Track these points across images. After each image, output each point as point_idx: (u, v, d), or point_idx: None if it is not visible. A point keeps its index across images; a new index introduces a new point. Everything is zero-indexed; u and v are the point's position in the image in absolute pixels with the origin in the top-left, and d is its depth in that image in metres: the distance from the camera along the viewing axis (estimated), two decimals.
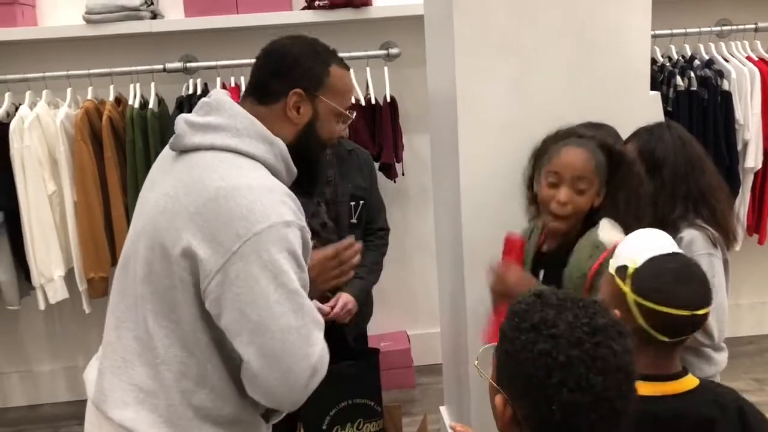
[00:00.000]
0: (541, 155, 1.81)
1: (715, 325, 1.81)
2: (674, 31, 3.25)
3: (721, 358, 1.94)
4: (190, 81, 3.16)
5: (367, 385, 2.33)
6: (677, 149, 1.91)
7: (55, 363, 3.62)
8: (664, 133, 1.95)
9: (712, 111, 3.17)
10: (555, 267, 1.71)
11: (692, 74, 3.18)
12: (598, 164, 1.68)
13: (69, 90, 3.11)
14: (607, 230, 1.64)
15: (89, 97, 3.10)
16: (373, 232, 2.45)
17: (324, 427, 2.27)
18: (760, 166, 3.28)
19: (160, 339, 1.29)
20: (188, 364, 1.29)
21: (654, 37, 2.85)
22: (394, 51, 3.28)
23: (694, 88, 3.18)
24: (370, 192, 2.40)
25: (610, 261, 1.31)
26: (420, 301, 3.49)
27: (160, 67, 3.14)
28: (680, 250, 1.29)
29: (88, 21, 3.09)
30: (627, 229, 1.57)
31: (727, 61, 3.26)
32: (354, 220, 2.33)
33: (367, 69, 3.21)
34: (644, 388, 1.22)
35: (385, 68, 3.24)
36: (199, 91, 3.13)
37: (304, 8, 3.22)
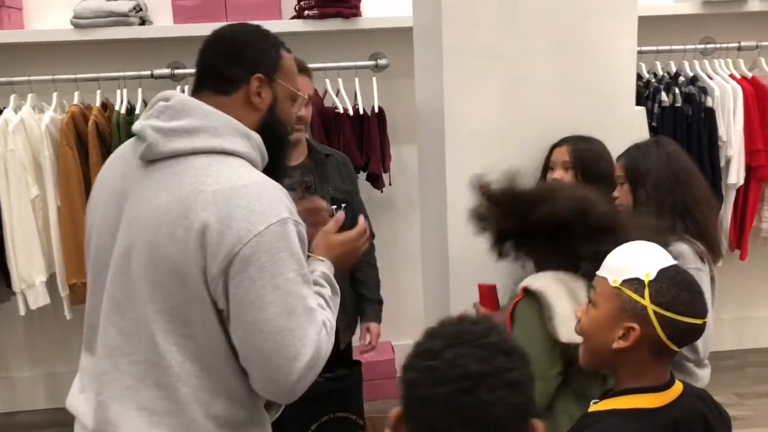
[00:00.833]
0: None
1: (700, 341, 1.82)
2: (660, 47, 3.30)
3: (704, 374, 1.95)
4: (178, 88, 3.14)
5: (350, 398, 2.32)
6: (661, 164, 1.93)
7: (34, 369, 3.57)
8: (650, 149, 1.97)
9: (696, 127, 3.22)
10: None
11: (677, 90, 3.22)
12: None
13: (55, 94, 3.09)
14: (538, 277, 1.64)
15: (75, 101, 3.08)
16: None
17: None
18: (742, 182, 3.32)
19: (173, 356, 1.26)
20: (202, 377, 1.28)
21: (640, 53, 2.88)
22: (382, 62, 3.30)
23: (679, 105, 3.22)
24: (352, 195, 2.40)
25: (608, 275, 1.29)
26: (405, 312, 3.48)
27: (148, 73, 3.13)
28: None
29: (76, 26, 3.08)
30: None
31: (710, 78, 3.31)
32: None
33: (356, 79, 3.22)
34: (655, 400, 1.25)
35: (374, 79, 3.25)
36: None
37: (293, 17, 3.23)
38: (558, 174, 2.02)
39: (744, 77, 3.34)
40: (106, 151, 3.02)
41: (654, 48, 3.27)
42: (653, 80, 3.30)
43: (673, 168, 1.94)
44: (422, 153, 2.49)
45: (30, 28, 3.24)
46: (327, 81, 3.17)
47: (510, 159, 2.10)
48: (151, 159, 1.30)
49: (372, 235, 2.30)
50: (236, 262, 1.21)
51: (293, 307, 1.24)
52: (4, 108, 3.02)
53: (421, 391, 0.86)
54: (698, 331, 1.27)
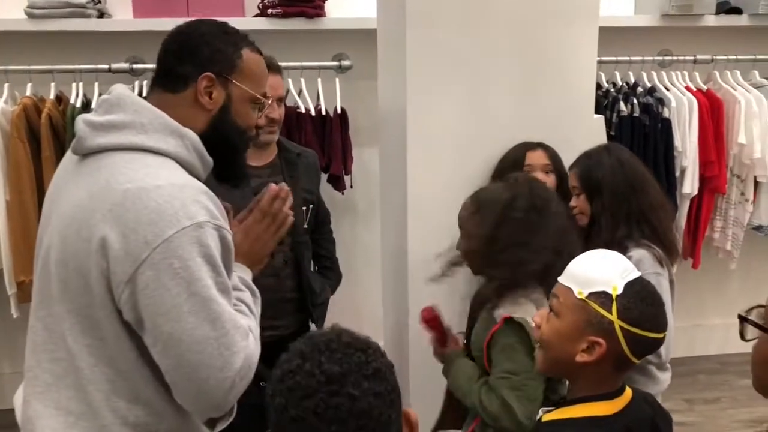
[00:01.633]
0: None
1: (663, 345, 1.84)
2: (619, 58, 3.35)
3: (666, 377, 1.98)
4: (136, 83, 3.08)
5: None
6: (616, 171, 1.95)
7: None
8: (602, 156, 1.99)
9: (652, 137, 3.28)
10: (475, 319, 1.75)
11: (635, 101, 3.28)
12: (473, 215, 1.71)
13: (6, 86, 2.99)
14: (505, 306, 1.63)
15: (28, 93, 2.98)
16: (322, 246, 2.44)
17: None
18: (696, 192, 3.39)
19: (84, 358, 1.21)
20: (117, 382, 1.22)
21: (600, 62, 2.93)
22: (346, 63, 3.28)
23: (637, 114, 3.27)
24: (318, 196, 2.39)
25: (573, 286, 1.27)
26: (365, 315, 3.45)
27: (105, 66, 3.05)
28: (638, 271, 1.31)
29: (30, 15, 2.99)
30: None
31: (668, 89, 3.38)
32: (305, 226, 2.30)
33: (319, 80, 3.20)
34: (609, 407, 1.26)
35: (337, 80, 3.23)
36: (144, 94, 3.05)
37: (256, 15, 3.19)
38: (540, 177, 2.01)
39: (699, 90, 3.42)
40: (60, 146, 2.94)
41: (614, 58, 3.33)
42: (612, 90, 3.35)
43: (626, 175, 1.96)
44: (384, 155, 2.48)
45: None
46: (289, 80, 3.14)
47: (471, 163, 2.11)
48: (83, 153, 1.25)
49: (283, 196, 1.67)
50: (145, 269, 1.13)
51: (216, 314, 1.17)
52: None
53: (292, 411, 0.86)
54: (659, 343, 1.28)
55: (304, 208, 2.27)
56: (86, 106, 2.99)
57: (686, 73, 3.45)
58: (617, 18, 3.36)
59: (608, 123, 3.21)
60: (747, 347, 1.05)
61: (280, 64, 2.21)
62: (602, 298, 1.23)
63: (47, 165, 2.90)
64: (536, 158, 2.06)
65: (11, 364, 3.35)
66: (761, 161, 3.36)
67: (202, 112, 1.30)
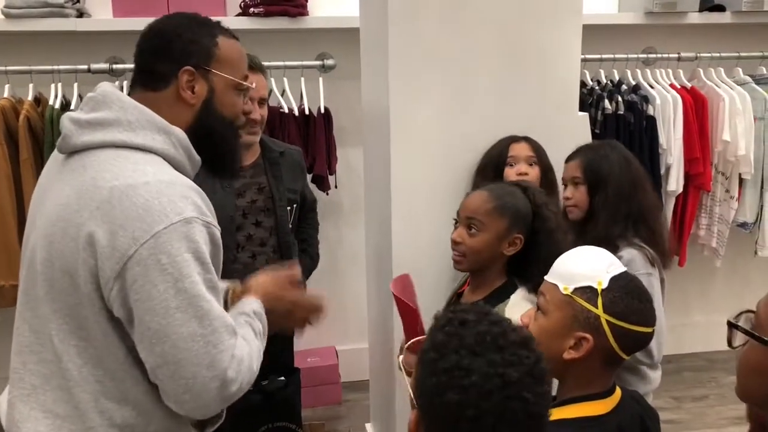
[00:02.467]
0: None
1: (655, 345, 1.83)
2: (603, 56, 3.35)
3: (656, 376, 1.97)
4: (117, 83, 3.04)
5: (288, 407, 2.27)
6: (622, 168, 1.92)
7: None
8: (609, 151, 1.95)
9: (637, 135, 3.27)
10: None
11: (619, 99, 3.27)
12: (498, 208, 1.65)
13: None
14: (515, 305, 1.60)
15: (6, 95, 2.94)
16: (304, 231, 2.44)
17: None
18: (681, 189, 3.40)
19: (71, 359, 1.19)
20: (105, 383, 1.20)
21: (584, 60, 2.92)
22: (329, 62, 3.25)
23: (621, 112, 3.27)
24: (303, 194, 2.38)
25: (559, 282, 1.26)
26: (350, 316, 3.43)
27: (85, 67, 3.01)
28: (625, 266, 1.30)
29: (8, 15, 2.94)
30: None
31: (652, 87, 3.38)
32: (290, 225, 2.28)
33: (302, 79, 3.17)
34: (601, 407, 1.24)
35: (320, 79, 3.20)
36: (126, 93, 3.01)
37: (238, 14, 3.16)
38: (523, 168, 1.99)
39: (683, 87, 3.42)
40: (38, 148, 2.90)
41: (598, 56, 3.33)
42: (597, 88, 3.35)
43: (632, 173, 1.93)
44: (368, 155, 2.46)
45: None
46: (272, 80, 3.11)
47: (454, 161, 2.09)
48: (68, 151, 1.24)
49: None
50: (132, 265, 1.12)
51: (204, 311, 1.16)
52: None
53: (459, 411, 0.88)
54: (648, 339, 1.26)
55: (289, 208, 2.25)
56: (65, 108, 2.94)
57: (670, 70, 3.46)
58: (601, 16, 3.36)
59: (593, 121, 3.21)
60: None
61: (263, 63, 2.18)
62: (588, 293, 1.22)
63: (25, 167, 2.85)
64: (520, 150, 2.04)
65: None
66: (745, 158, 3.37)
67: (186, 107, 1.29)
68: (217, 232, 1.23)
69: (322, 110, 3.19)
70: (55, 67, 2.96)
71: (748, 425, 1.07)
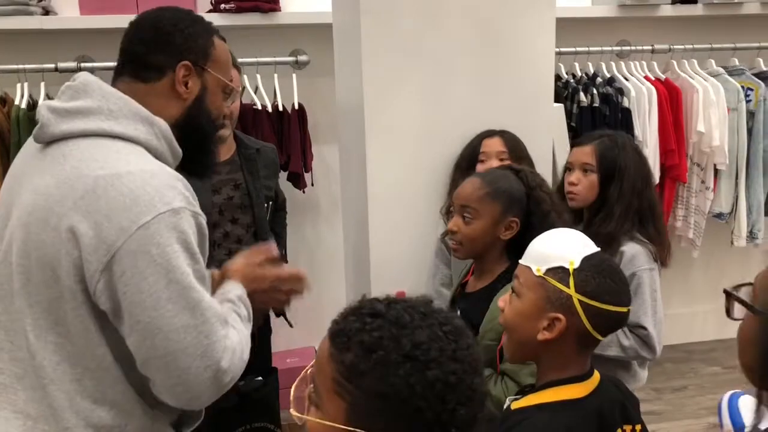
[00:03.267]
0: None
1: (657, 340, 1.83)
2: (578, 49, 3.35)
3: (644, 375, 1.98)
4: None
5: (266, 407, 2.23)
6: (636, 164, 1.89)
7: None
8: (625, 142, 1.92)
9: (613, 127, 3.26)
10: (473, 307, 1.67)
11: (594, 91, 3.28)
12: (491, 194, 1.64)
13: None
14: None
15: None
16: (273, 230, 2.40)
17: None
18: (657, 181, 3.40)
19: (47, 356, 1.15)
20: (82, 381, 1.17)
21: (559, 53, 2.92)
22: (303, 58, 3.21)
23: (597, 105, 3.27)
24: (276, 186, 2.36)
25: (531, 264, 1.25)
26: (329, 316, 3.37)
27: (52, 66, 2.94)
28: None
29: None
30: None
31: (627, 79, 3.38)
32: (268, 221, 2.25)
33: (275, 76, 3.12)
34: (579, 390, 1.23)
35: (294, 75, 3.16)
36: None
37: (209, 11, 3.11)
38: (495, 164, 1.97)
39: (658, 79, 3.43)
40: (4, 148, 2.83)
41: (572, 49, 3.32)
42: (572, 81, 3.35)
43: (645, 169, 1.91)
44: (343, 151, 2.43)
45: None
46: (245, 77, 3.06)
47: (432, 156, 2.07)
48: (46, 141, 1.21)
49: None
50: (120, 257, 1.10)
51: (195, 301, 1.14)
52: None
53: (442, 384, 0.82)
54: (623, 319, 1.26)
55: (266, 205, 2.23)
56: (32, 108, 2.87)
57: (644, 62, 3.46)
58: (575, 9, 3.36)
59: (569, 114, 3.21)
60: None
61: None
62: (560, 273, 1.22)
63: None
64: (491, 146, 2.02)
65: None
66: (720, 149, 3.39)
67: (178, 101, 1.28)
68: (204, 221, 1.21)
69: (296, 107, 3.15)
70: (21, 66, 2.89)
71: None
